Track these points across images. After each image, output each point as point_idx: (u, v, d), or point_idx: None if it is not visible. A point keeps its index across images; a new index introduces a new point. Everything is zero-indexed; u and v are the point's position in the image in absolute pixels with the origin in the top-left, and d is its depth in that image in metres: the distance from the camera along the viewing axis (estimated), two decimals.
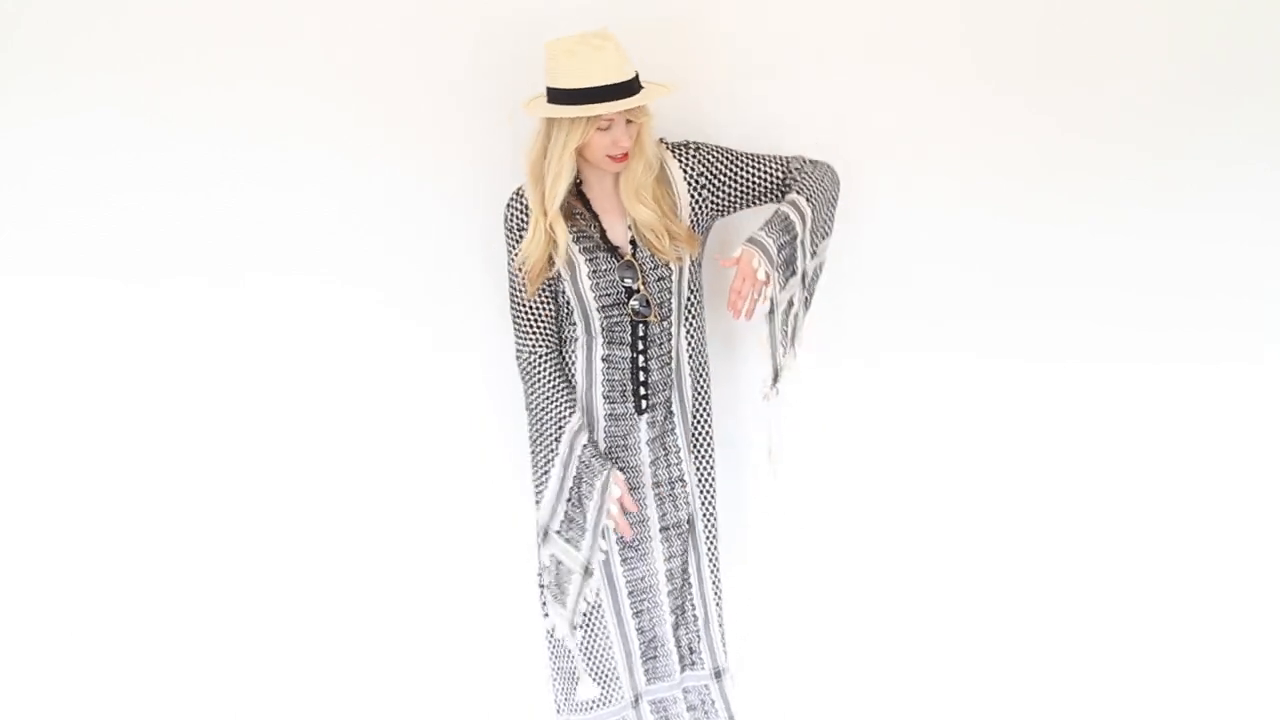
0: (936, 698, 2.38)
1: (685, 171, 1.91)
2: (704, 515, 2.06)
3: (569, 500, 1.93)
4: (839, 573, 2.34)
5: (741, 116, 2.16)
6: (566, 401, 1.93)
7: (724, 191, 1.93)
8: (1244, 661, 2.33)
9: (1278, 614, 2.33)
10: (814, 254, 1.87)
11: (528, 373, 1.97)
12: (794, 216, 1.81)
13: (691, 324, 1.99)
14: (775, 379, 1.85)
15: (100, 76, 2.13)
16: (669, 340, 1.96)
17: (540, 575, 1.98)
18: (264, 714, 2.34)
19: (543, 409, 1.94)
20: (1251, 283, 2.23)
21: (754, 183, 1.92)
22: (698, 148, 1.93)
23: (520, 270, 1.90)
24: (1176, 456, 2.28)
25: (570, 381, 1.97)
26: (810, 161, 1.92)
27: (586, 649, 2.02)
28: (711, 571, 2.07)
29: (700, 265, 2.01)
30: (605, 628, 2.02)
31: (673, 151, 1.92)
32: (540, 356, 1.96)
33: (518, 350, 1.98)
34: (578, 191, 1.91)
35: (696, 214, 1.93)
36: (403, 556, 2.31)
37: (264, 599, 2.31)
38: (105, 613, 2.31)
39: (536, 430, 1.95)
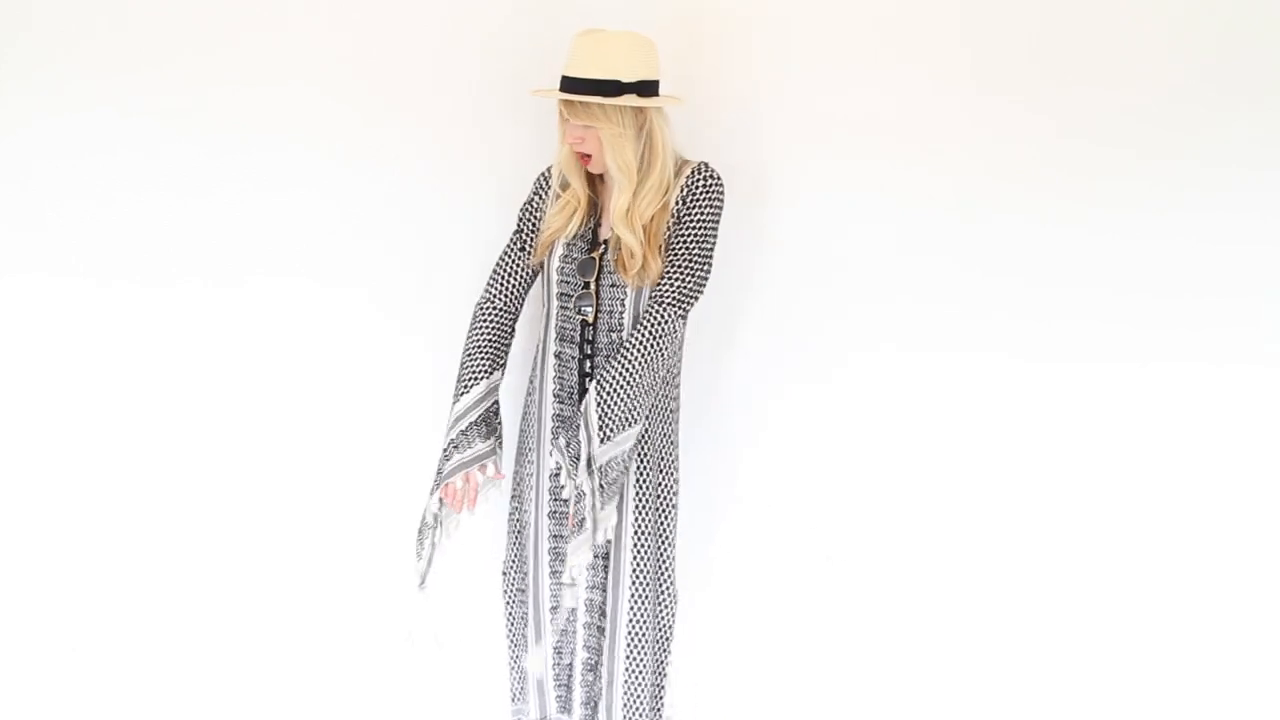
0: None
1: (685, 186, 1.86)
2: (635, 558, 1.93)
3: (442, 451, 1.91)
4: (824, 597, 2.32)
5: (740, 115, 2.16)
6: (485, 361, 1.92)
7: (679, 224, 1.87)
8: (1244, 661, 2.32)
9: (1278, 614, 2.32)
10: (605, 439, 1.80)
11: (474, 315, 1.97)
12: (580, 419, 1.82)
13: None
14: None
15: (100, 77, 2.14)
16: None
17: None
18: (262, 705, 2.34)
19: (466, 354, 1.94)
20: (1251, 283, 2.23)
21: (670, 256, 1.85)
22: (705, 182, 1.86)
23: (544, 230, 1.93)
24: (1176, 456, 2.27)
25: (503, 344, 1.96)
26: (651, 331, 1.82)
27: (519, 659, 2.06)
28: (637, 627, 1.94)
29: None
30: (527, 637, 2.02)
31: (693, 169, 1.87)
32: (488, 306, 1.96)
33: (480, 301, 1.99)
34: (591, 183, 1.93)
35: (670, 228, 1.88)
36: (398, 550, 2.30)
37: (268, 593, 2.32)
38: (105, 608, 2.31)
39: (458, 374, 1.95)
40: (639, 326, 1.83)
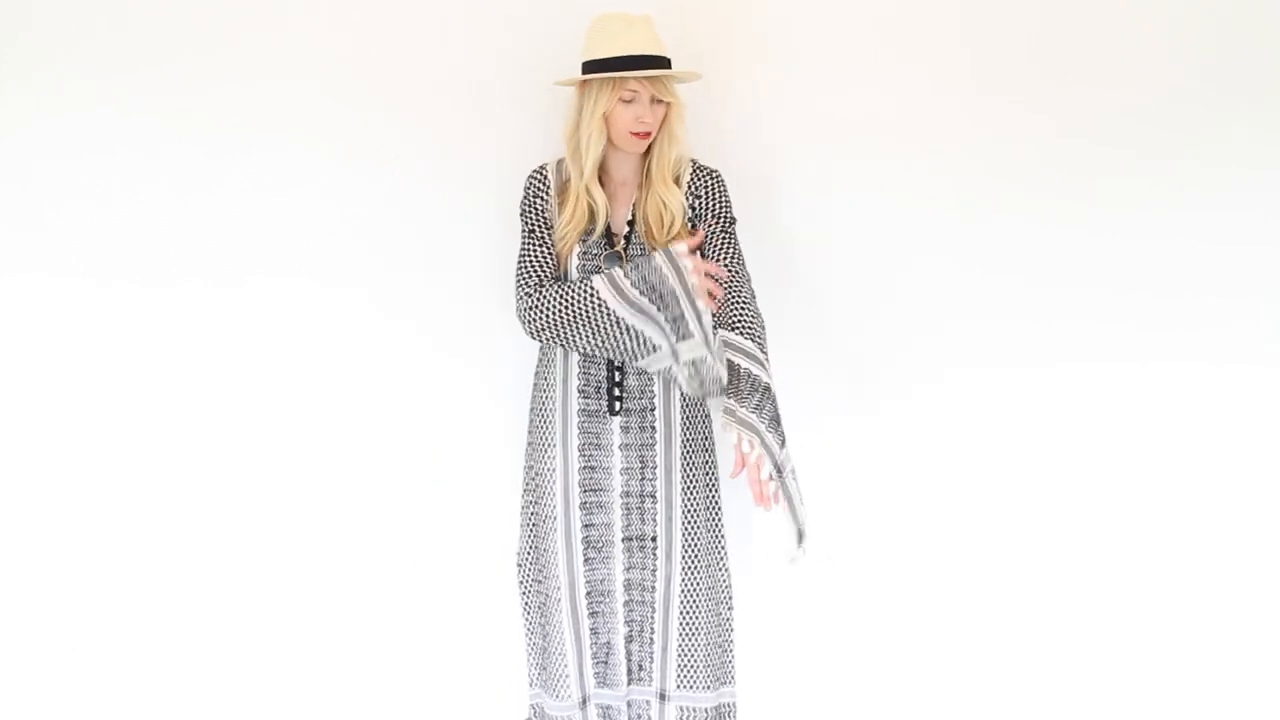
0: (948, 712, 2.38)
1: (690, 183, 1.95)
2: (685, 540, 2.00)
3: (662, 309, 1.80)
4: (847, 587, 2.33)
5: (740, 115, 2.16)
6: (581, 281, 1.87)
7: (703, 225, 1.95)
8: (1245, 661, 2.33)
9: (1278, 614, 2.32)
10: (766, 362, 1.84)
11: (534, 307, 1.90)
12: (758, 371, 1.80)
13: None
14: (801, 539, 1.80)
15: (100, 77, 2.14)
16: None
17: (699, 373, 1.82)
18: (263, 705, 2.34)
19: (568, 303, 1.86)
20: (1251, 283, 2.23)
21: (723, 254, 1.93)
22: (712, 179, 1.96)
23: (559, 243, 1.94)
24: (1176, 456, 2.28)
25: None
26: (754, 311, 1.89)
27: (536, 645, 2.07)
28: (683, 600, 2.00)
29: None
30: (560, 625, 2.02)
31: (694, 166, 1.97)
32: (540, 289, 1.91)
33: (518, 303, 1.93)
34: (602, 183, 1.94)
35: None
36: (400, 549, 2.31)
37: (269, 593, 2.32)
38: (105, 608, 2.31)
39: (582, 317, 1.85)
40: (747, 316, 1.86)
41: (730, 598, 2.07)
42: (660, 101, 1.86)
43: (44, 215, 2.18)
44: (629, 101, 1.84)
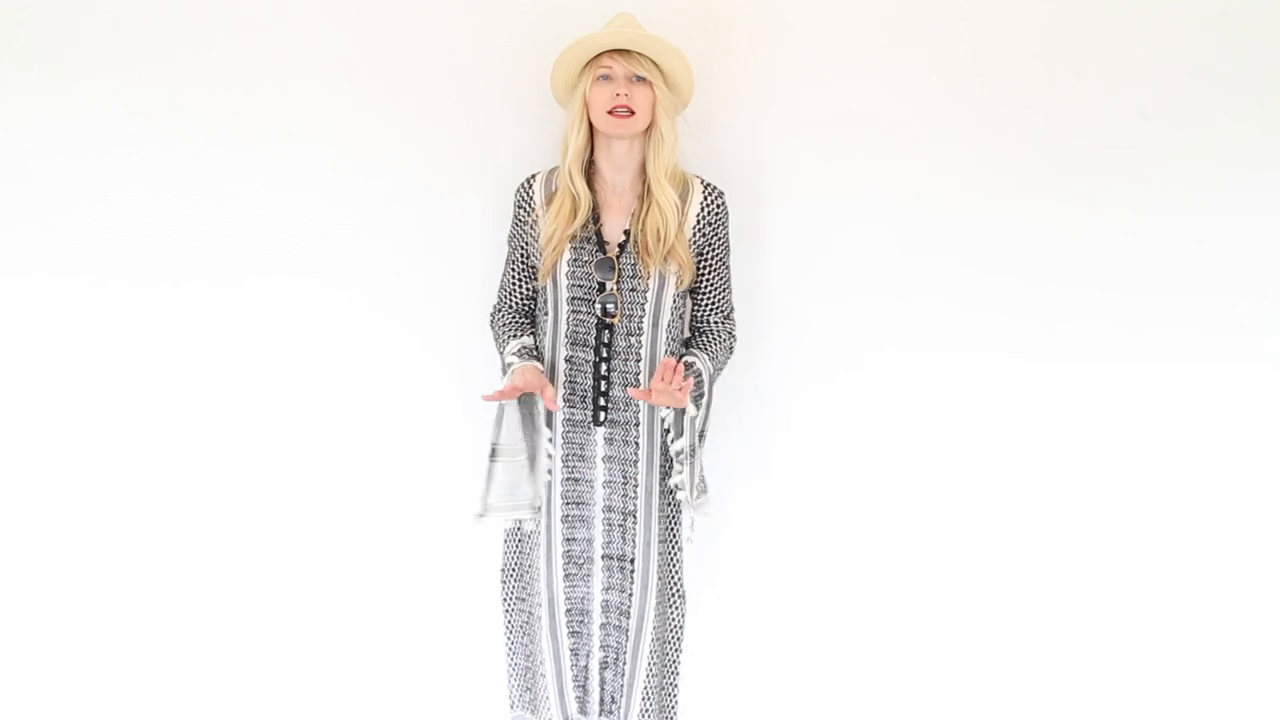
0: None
1: (703, 206, 1.93)
2: (660, 563, 1.98)
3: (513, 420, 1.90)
4: (827, 597, 2.33)
5: (741, 115, 2.16)
6: (516, 329, 1.98)
7: (703, 256, 1.94)
8: (1244, 661, 2.33)
9: (1278, 614, 2.32)
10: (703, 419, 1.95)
11: (493, 324, 2.02)
12: (705, 377, 1.93)
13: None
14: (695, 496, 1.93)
15: (100, 77, 2.14)
16: (635, 360, 1.92)
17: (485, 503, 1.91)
18: (261, 708, 2.34)
19: (497, 337, 2.00)
20: (1251, 283, 2.23)
21: (709, 286, 1.98)
22: (723, 206, 1.95)
23: (546, 242, 1.92)
24: (1176, 457, 2.28)
25: (528, 328, 2.00)
26: (728, 341, 2.01)
27: (518, 665, 2.06)
28: (656, 629, 1.98)
29: (687, 301, 2.00)
30: (540, 645, 2.01)
31: (704, 186, 1.94)
32: (498, 315, 2.01)
33: (491, 313, 2.04)
34: (587, 181, 1.91)
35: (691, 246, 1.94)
36: (394, 554, 2.31)
37: (269, 593, 2.32)
38: (105, 608, 2.32)
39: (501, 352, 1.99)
40: (719, 338, 2.00)
41: (680, 635, 2.04)
42: (642, 80, 1.84)
43: (44, 215, 2.18)
44: (607, 79, 1.84)
